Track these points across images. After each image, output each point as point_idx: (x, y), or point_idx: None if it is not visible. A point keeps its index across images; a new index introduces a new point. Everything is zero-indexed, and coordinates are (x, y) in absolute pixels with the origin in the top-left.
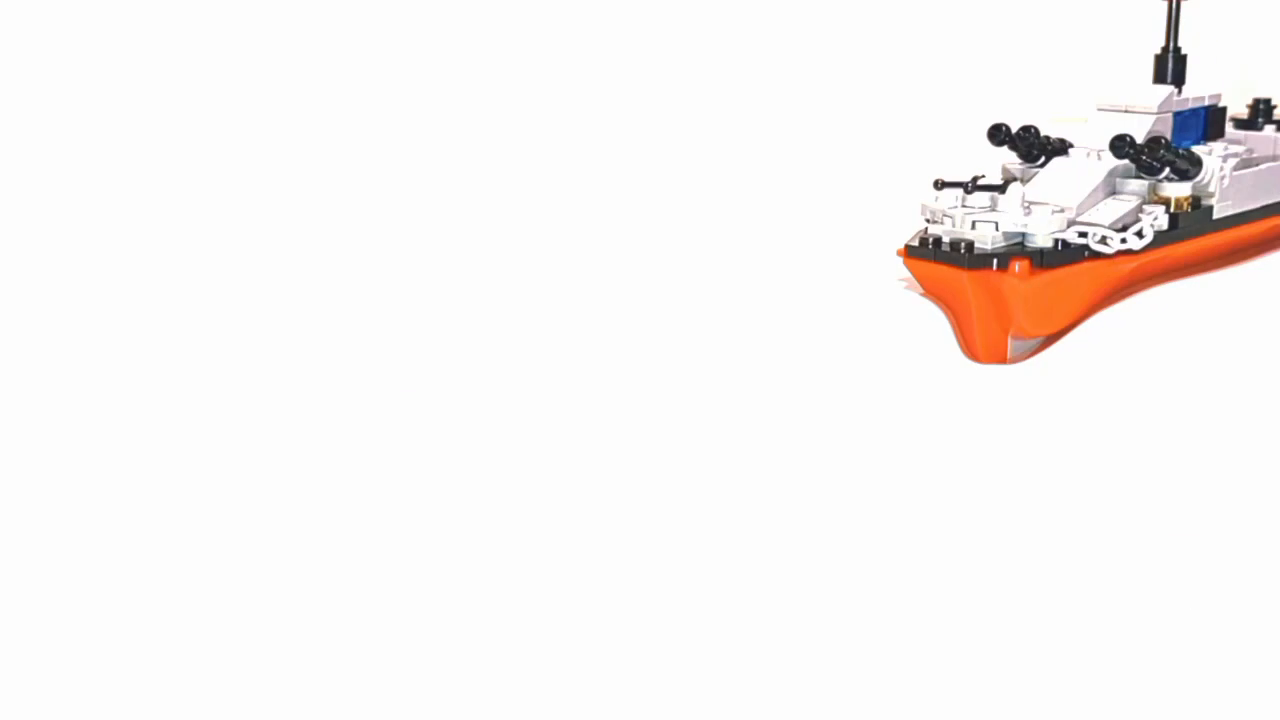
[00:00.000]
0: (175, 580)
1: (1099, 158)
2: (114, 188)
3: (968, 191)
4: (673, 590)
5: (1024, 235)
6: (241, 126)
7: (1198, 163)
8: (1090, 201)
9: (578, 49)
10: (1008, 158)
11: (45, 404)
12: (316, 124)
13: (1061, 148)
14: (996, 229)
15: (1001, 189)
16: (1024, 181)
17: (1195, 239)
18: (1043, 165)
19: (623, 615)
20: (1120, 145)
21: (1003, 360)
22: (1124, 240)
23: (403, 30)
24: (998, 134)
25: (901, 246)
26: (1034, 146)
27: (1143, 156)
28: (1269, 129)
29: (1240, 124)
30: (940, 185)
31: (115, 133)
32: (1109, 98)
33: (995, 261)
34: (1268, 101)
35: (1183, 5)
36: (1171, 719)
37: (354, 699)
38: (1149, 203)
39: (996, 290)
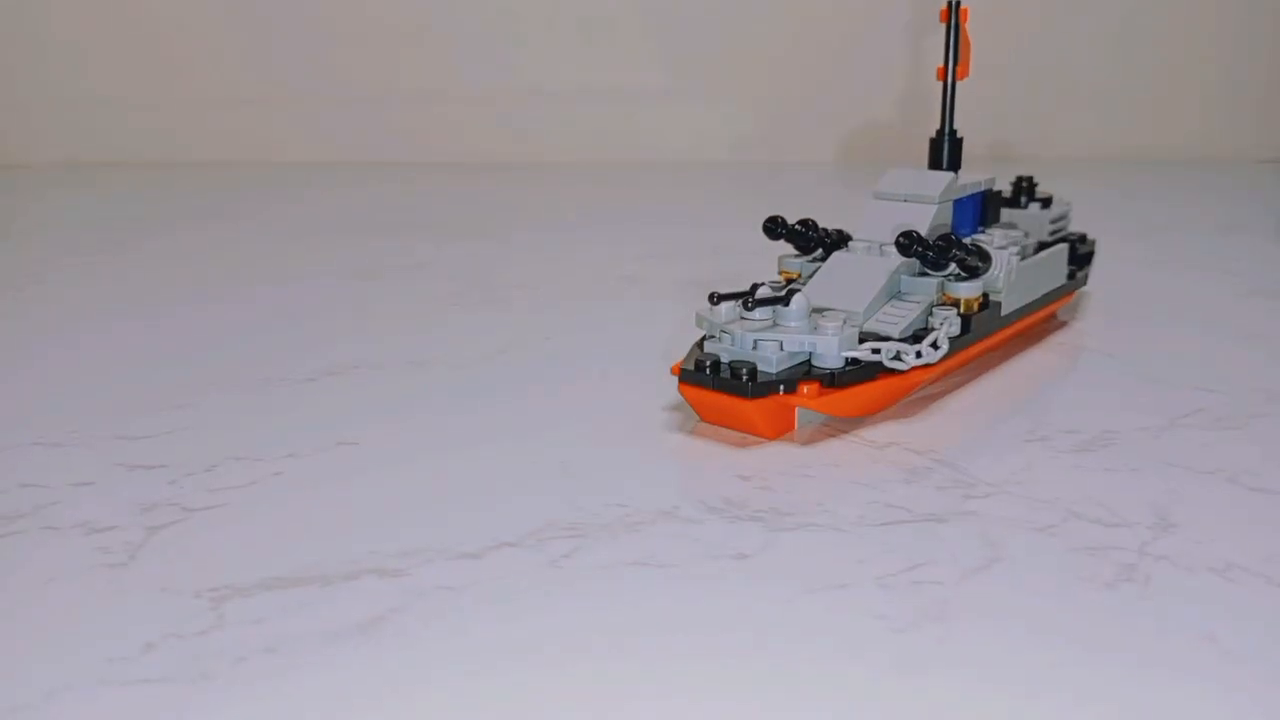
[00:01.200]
0: None
1: (881, 251)
2: None
3: (747, 307)
4: None
5: (811, 354)
6: None
7: (988, 259)
8: (877, 304)
9: None
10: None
11: None
12: None
13: (841, 240)
14: (781, 348)
15: (784, 300)
16: (803, 280)
17: (985, 339)
18: (823, 259)
19: None
20: (908, 244)
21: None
22: (919, 355)
23: None
24: (775, 227)
25: (676, 364)
26: (812, 240)
27: (930, 255)
28: (1033, 207)
29: (1005, 203)
30: (716, 299)
31: None
32: (887, 185)
33: (782, 387)
34: (1030, 179)
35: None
36: None
37: None
38: (939, 305)
39: (784, 412)
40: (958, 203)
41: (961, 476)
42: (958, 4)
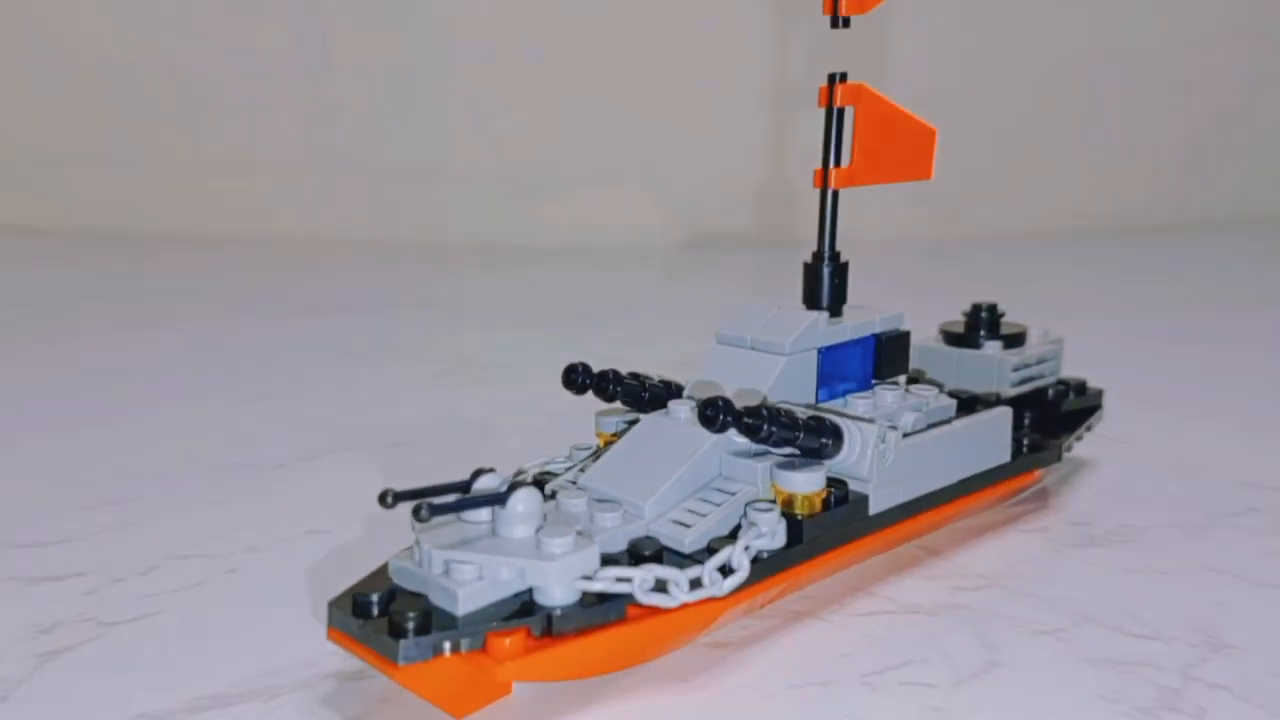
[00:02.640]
0: None
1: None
2: None
3: (419, 517)
4: None
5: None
6: None
7: (832, 438)
8: (672, 497)
9: None
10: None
11: None
12: None
13: (666, 396)
14: (480, 577)
15: (500, 499)
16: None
17: (833, 551)
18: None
19: None
20: (710, 415)
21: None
22: (699, 584)
23: None
24: (573, 377)
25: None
26: (641, 395)
27: (744, 430)
28: (990, 346)
29: (954, 341)
30: (390, 500)
31: None
32: (732, 326)
33: (447, 645)
34: (992, 308)
35: (839, 195)
36: None
37: None
38: (759, 502)
39: (473, 677)
40: (828, 353)
41: (953, 568)
42: (836, 80)
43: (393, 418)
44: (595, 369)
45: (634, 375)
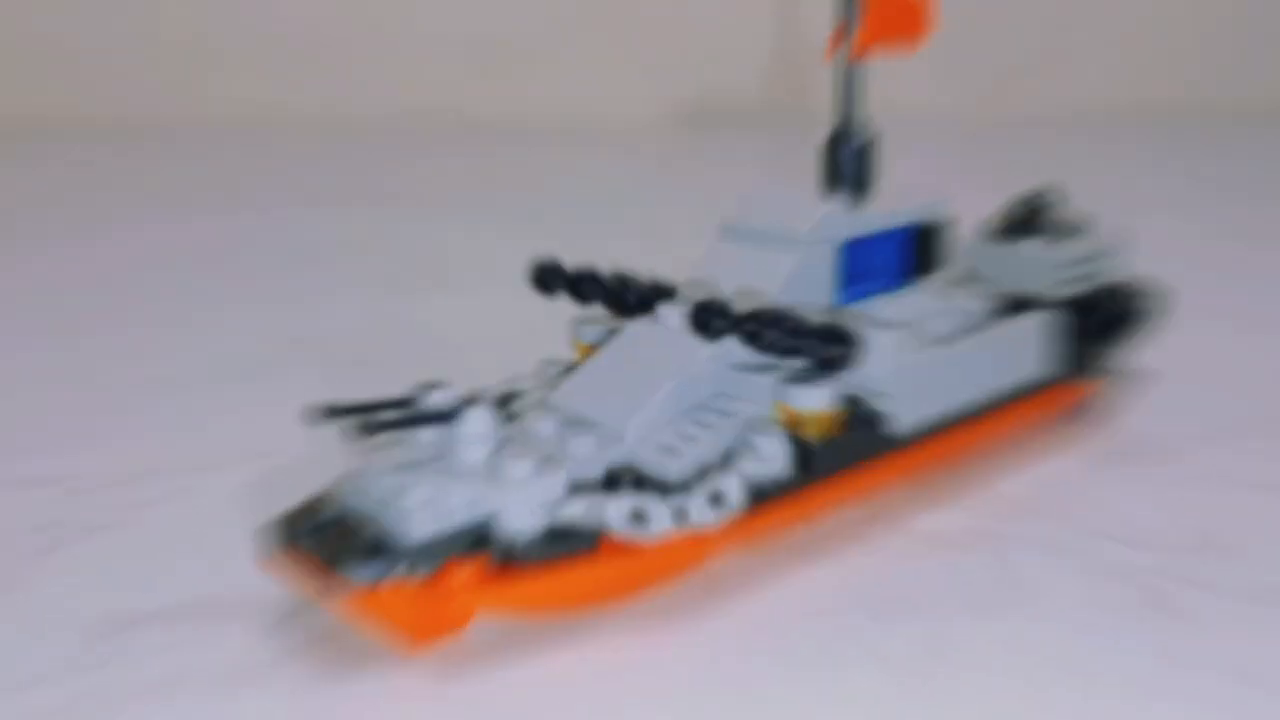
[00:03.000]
0: None
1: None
2: None
3: (366, 431)
4: None
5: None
6: None
7: (848, 346)
8: (657, 416)
9: None
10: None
11: None
12: None
13: (655, 299)
14: (432, 500)
15: (449, 418)
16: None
17: (847, 478)
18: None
19: None
20: (702, 318)
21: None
22: (683, 516)
23: None
24: (544, 276)
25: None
26: (622, 298)
27: (745, 336)
28: (1028, 244)
29: (1003, 234)
30: (325, 416)
31: None
32: (740, 217)
33: (399, 569)
34: (1039, 197)
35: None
36: None
37: None
38: (764, 424)
39: (432, 608)
40: (852, 246)
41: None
42: None
43: (340, 329)
44: (571, 267)
45: (618, 275)
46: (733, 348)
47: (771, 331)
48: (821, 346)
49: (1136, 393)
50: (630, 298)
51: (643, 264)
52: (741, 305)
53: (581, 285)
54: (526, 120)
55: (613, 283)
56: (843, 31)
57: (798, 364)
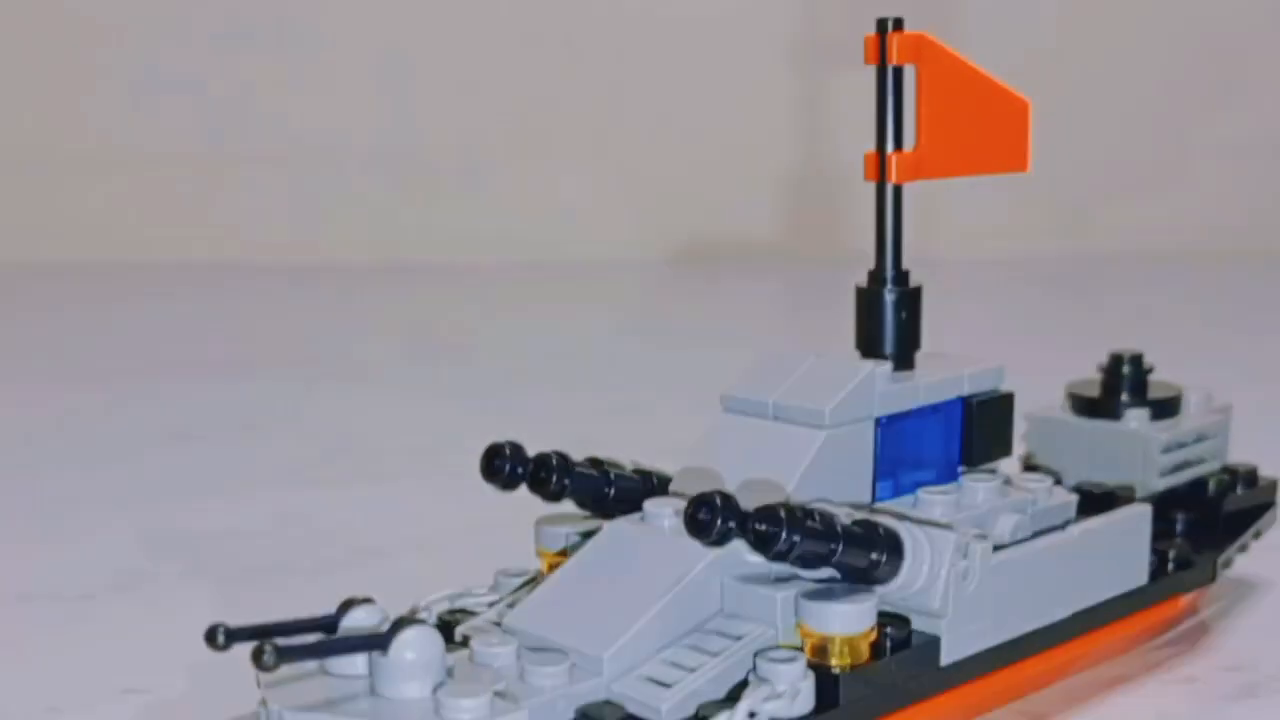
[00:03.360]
0: None
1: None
2: None
3: (262, 663)
4: None
5: None
6: None
7: (886, 552)
8: (647, 642)
9: None
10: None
11: None
12: None
13: (642, 492)
14: None
15: (382, 643)
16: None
17: (884, 716)
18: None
19: None
20: (701, 520)
21: None
22: None
23: None
24: (497, 462)
25: None
26: (586, 489)
27: (751, 539)
28: (1134, 416)
29: (1083, 409)
30: (221, 638)
31: None
32: (746, 386)
33: None
34: (1137, 359)
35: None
36: None
37: None
38: (777, 650)
39: None
40: (891, 425)
41: None
42: (889, 27)
43: (242, 528)
44: (533, 452)
45: (594, 461)
46: (739, 554)
47: (790, 534)
48: (855, 553)
49: (1243, 607)
50: (610, 491)
51: (627, 447)
52: (750, 500)
53: (547, 475)
54: (484, 258)
55: (588, 472)
56: (881, 145)
57: (823, 575)
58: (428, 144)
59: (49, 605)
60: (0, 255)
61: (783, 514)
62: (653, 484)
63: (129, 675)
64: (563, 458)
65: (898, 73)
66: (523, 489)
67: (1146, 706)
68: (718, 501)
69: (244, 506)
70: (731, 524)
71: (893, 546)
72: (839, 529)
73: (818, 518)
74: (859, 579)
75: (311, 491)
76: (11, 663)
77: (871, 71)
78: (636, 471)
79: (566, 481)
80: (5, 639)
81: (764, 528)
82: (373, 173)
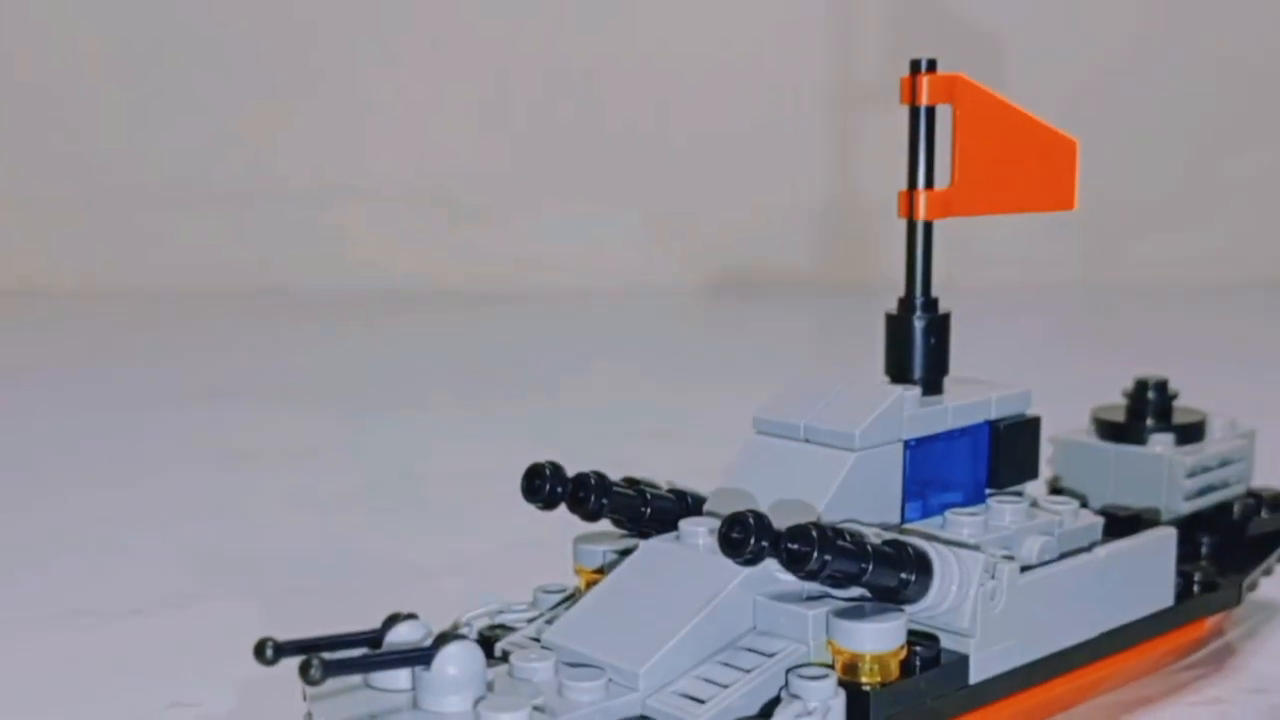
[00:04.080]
0: None
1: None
2: None
3: (309, 678)
4: None
5: None
6: None
7: (916, 572)
8: (682, 657)
9: None
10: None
11: None
12: None
13: (677, 513)
14: None
15: (425, 658)
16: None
17: None
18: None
19: None
20: (736, 538)
21: None
22: None
23: None
24: (537, 482)
25: None
26: (623, 508)
27: (783, 557)
28: (1159, 441)
29: (1109, 433)
30: (271, 653)
31: None
32: (776, 410)
33: None
34: (1162, 385)
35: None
36: None
37: None
38: (808, 667)
39: None
40: (920, 448)
41: None
42: (922, 68)
43: (287, 550)
44: (574, 473)
45: (630, 481)
46: (771, 573)
47: (822, 553)
48: (884, 573)
49: (1269, 630)
50: (646, 511)
51: (661, 469)
52: (782, 520)
53: (585, 495)
54: (522, 287)
55: (625, 492)
56: (913, 182)
57: (853, 594)
58: (470, 177)
59: (100, 621)
60: (60, 282)
61: (814, 534)
62: (687, 503)
63: (177, 690)
64: (600, 477)
65: (930, 112)
66: (562, 508)
67: None
68: (751, 521)
69: (293, 528)
70: (764, 543)
71: (922, 566)
72: (869, 549)
73: (848, 538)
74: (888, 598)
75: (356, 517)
76: (63, 677)
77: (903, 113)
78: (672, 491)
79: (604, 501)
80: (57, 653)
81: (796, 547)
82: (415, 206)
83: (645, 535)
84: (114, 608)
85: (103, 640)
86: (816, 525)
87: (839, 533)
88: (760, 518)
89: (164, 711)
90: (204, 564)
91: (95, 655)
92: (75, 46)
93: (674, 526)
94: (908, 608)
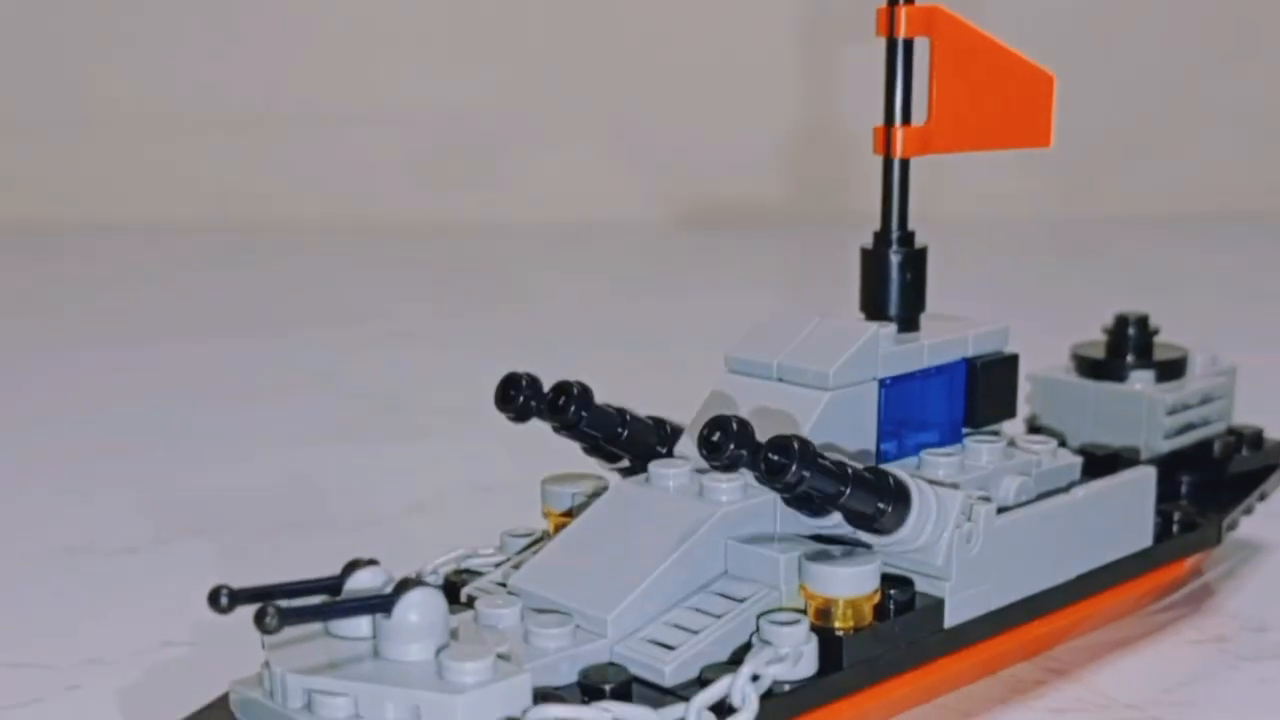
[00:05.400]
0: None
1: (702, 489)
2: None
3: (264, 625)
4: None
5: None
6: None
7: (894, 501)
8: (652, 601)
9: None
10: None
11: None
12: None
13: (655, 441)
14: (356, 715)
15: (385, 603)
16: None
17: (890, 680)
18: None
19: None
20: (715, 444)
21: None
22: None
23: None
24: (512, 392)
25: None
26: (601, 424)
27: (762, 467)
28: (1139, 378)
29: (1088, 370)
30: (225, 599)
31: None
32: (748, 348)
33: None
34: (1142, 321)
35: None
36: None
37: None
38: (779, 612)
39: None
40: (895, 386)
41: (1089, 695)
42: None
43: (278, 485)
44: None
45: (613, 407)
46: (742, 518)
47: (801, 466)
48: (863, 498)
49: (1244, 569)
50: (623, 432)
51: (632, 404)
52: (765, 433)
53: (566, 402)
54: (502, 219)
55: (605, 408)
56: (889, 118)
57: (827, 524)
58: (447, 110)
59: (92, 559)
60: (43, 215)
61: (796, 446)
62: (666, 431)
63: (169, 629)
64: (584, 388)
65: (908, 46)
66: (537, 426)
67: (1163, 662)
68: (733, 426)
69: (281, 465)
70: (743, 451)
71: (901, 497)
72: (850, 471)
73: (829, 460)
74: (864, 526)
75: (346, 449)
76: (56, 615)
77: (879, 45)
78: (652, 419)
79: (584, 413)
80: (50, 591)
81: (776, 458)
82: (402, 138)
83: (614, 459)
84: (105, 545)
85: (94, 578)
86: (799, 438)
87: (820, 453)
88: (744, 424)
89: (156, 649)
90: (194, 502)
91: (90, 594)
92: None
93: (648, 454)
94: (881, 539)
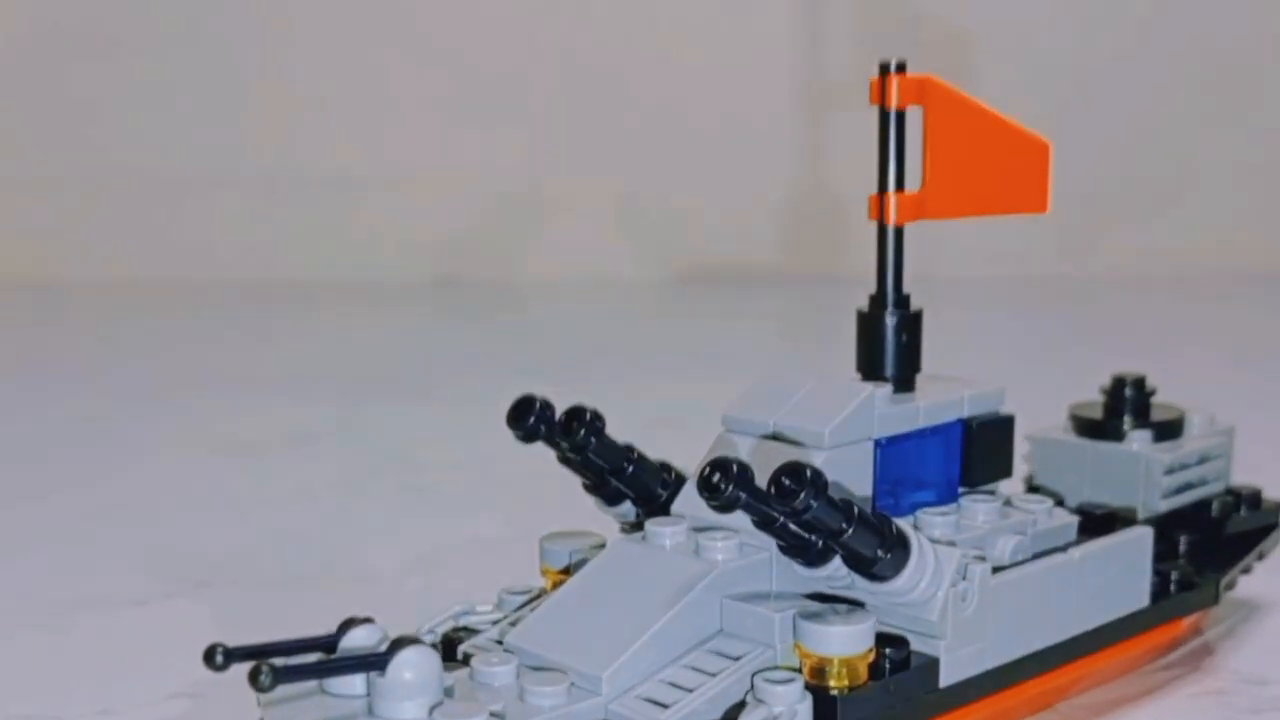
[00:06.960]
0: None
1: (699, 547)
2: None
3: (259, 684)
4: None
5: None
6: None
7: (894, 548)
8: (646, 659)
9: None
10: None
11: None
12: None
13: (667, 485)
14: None
15: (379, 663)
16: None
17: None
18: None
19: None
20: (716, 484)
21: None
22: None
23: None
24: (523, 414)
25: None
26: (609, 454)
27: (762, 509)
28: (1136, 437)
29: (1086, 430)
30: (220, 658)
31: None
32: (744, 407)
33: None
34: (1139, 382)
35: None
36: None
37: None
38: (778, 672)
39: None
40: (891, 447)
41: None
42: (891, 70)
43: (288, 539)
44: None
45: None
46: (738, 576)
47: (810, 494)
48: (865, 539)
49: (1243, 628)
50: (629, 468)
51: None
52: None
53: (578, 425)
54: (504, 281)
55: (613, 441)
56: (883, 185)
57: (820, 575)
58: (458, 175)
59: (103, 611)
60: (54, 273)
61: (808, 474)
62: (670, 478)
63: (178, 679)
64: (597, 414)
65: (900, 115)
66: (542, 444)
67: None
68: (734, 468)
69: (291, 520)
70: (742, 492)
71: (901, 544)
72: (856, 510)
73: (838, 499)
74: (861, 569)
75: (355, 503)
76: (64, 666)
77: (873, 114)
78: (662, 464)
79: (593, 439)
80: (60, 643)
81: (788, 482)
82: (409, 202)
83: (615, 500)
84: (114, 599)
85: (104, 630)
86: (812, 468)
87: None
88: (744, 466)
89: (165, 701)
90: (203, 556)
91: (95, 647)
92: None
93: (649, 497)
94: (877, 586)
